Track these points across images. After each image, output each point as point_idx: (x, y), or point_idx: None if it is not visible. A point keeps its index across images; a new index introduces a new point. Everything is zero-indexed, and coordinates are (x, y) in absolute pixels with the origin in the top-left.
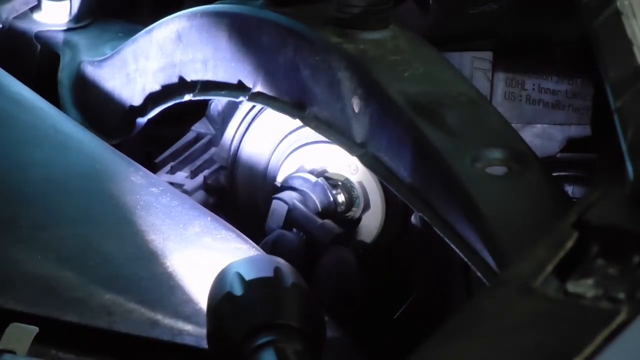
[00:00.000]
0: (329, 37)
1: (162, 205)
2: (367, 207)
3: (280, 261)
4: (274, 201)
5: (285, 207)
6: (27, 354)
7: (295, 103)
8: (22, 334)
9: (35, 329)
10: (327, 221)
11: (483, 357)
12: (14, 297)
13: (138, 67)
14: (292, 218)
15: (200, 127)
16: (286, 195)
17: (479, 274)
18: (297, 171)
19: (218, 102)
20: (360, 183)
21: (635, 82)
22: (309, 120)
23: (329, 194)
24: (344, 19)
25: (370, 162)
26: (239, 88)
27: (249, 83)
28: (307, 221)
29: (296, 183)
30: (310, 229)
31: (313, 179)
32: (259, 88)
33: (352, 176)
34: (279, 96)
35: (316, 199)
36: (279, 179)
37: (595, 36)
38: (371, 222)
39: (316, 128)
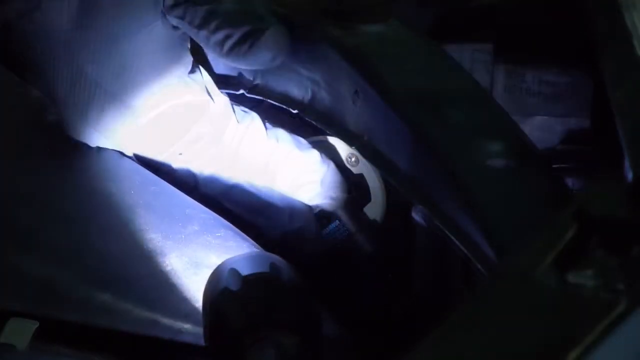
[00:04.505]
0: (330, 30)
1: (161, 204)
2: (368, 199)
3: (276, 257)
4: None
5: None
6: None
7: (295, 95)
8: (22, 328)
9: (35, 323)
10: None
11: (484, 348)
12: (14, 298)
13: None
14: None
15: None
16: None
17: (478, 265)
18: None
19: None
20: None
21: (635, 73)
22: (309, 112)
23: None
24: (345, 12)
25: (370, 153)
26: (239, 81)
27: (249, 75)
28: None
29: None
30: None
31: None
32: (258, 81)
33: (352, 168)
34: (280, 88)
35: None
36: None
37: (595, 28)
38: (372, 214)
39: (316, 120)
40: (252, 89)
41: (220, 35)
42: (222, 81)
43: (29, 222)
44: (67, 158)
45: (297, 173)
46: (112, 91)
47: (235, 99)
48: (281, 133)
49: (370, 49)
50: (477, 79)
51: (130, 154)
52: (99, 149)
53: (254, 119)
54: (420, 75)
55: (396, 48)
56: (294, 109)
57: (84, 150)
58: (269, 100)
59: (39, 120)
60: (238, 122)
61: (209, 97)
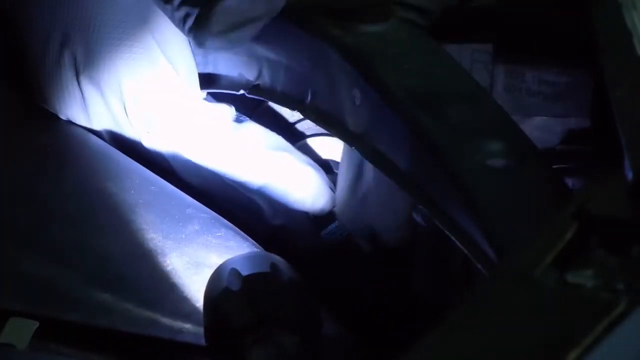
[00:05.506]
0: (330, 30)
1: (162, 204)
2: None
3: (276, 257)
4: None
5: None
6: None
7: (295, 95)
8: (22, 328)
9: (35, 323)
10: None
11: (483, 348)
12: (14, 298)
13: None
14: None
15: None
16: None
17: (478, 265)
18: None
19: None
20: None
21: (635, 73)
22: (309, 112)
23: None
24: (345, 11)
25: (370, 153)
26: (239, 81)
27: (249, 76)
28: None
29: None
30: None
31: None
32: (259, 81)
33: None
34: (280, 88)
35: None
36: None
37: (595, 27)
38: None
39: (316, 120)
40: (252, 89)
41: (182, 12)
42: (221, 81)
43: (29, 221)
44: (67, 157)
45: (268, 176)
46: (76, 50)
47: (235, 100)
48: (254, 129)
49: (370, 48)
50: (477, 79)
51: (101, 129)
52: (101, 147)
53: (222, 109)
54: (420, 75)
55: (396, 48)
56: (293, 109)
57: (83, 150)
58: (268, 101)
59: (37, 119)
60: (206, 108)
61: (175, 75)
